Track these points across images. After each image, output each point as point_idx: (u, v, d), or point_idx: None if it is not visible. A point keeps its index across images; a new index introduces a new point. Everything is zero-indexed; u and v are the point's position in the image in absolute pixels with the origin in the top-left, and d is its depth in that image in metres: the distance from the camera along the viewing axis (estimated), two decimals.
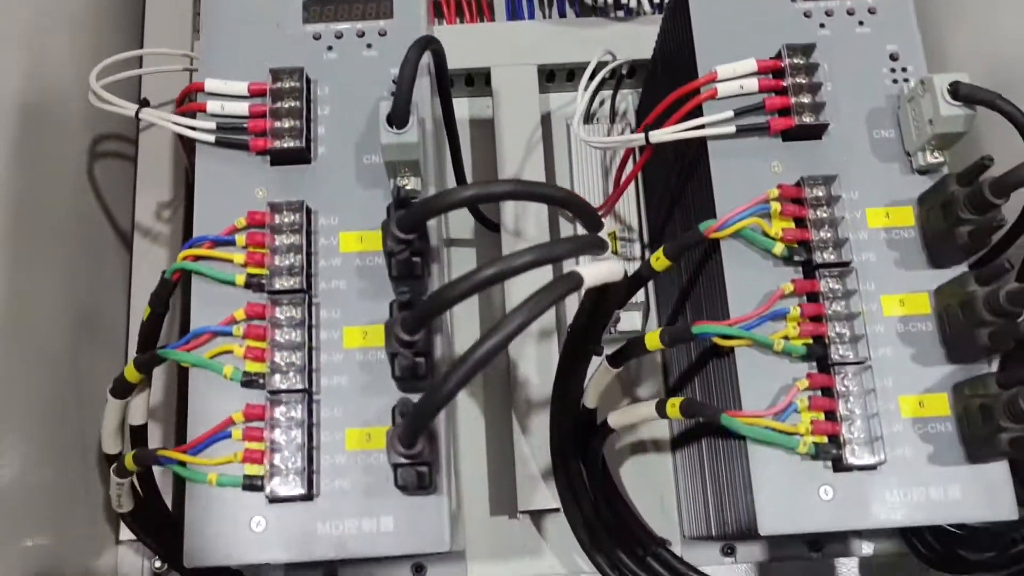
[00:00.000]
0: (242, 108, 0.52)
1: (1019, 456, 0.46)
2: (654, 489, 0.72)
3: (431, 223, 0.49)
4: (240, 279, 0.49)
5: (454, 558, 0.70)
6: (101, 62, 0.59)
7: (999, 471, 0.48)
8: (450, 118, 0.57)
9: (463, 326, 0.73)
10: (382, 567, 0.69)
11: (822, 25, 0.56)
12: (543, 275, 0.40)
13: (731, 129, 0.53)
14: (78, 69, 0.66)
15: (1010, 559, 0.60)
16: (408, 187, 0.50)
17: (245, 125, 0.52)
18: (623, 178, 0.65)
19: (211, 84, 0.52)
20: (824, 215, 0.50)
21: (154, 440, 0.66)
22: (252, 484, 0.47)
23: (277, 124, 0.51)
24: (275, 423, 0.47)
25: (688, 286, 0.61)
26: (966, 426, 0.48)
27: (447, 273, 0.55)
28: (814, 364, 0.49)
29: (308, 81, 0.52)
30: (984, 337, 0.46)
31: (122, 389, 0.52)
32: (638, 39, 0.74)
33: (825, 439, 0.48)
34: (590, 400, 0.60)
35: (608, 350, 0.57)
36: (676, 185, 0.62)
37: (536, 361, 0.69)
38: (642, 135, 0.55)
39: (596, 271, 0.41)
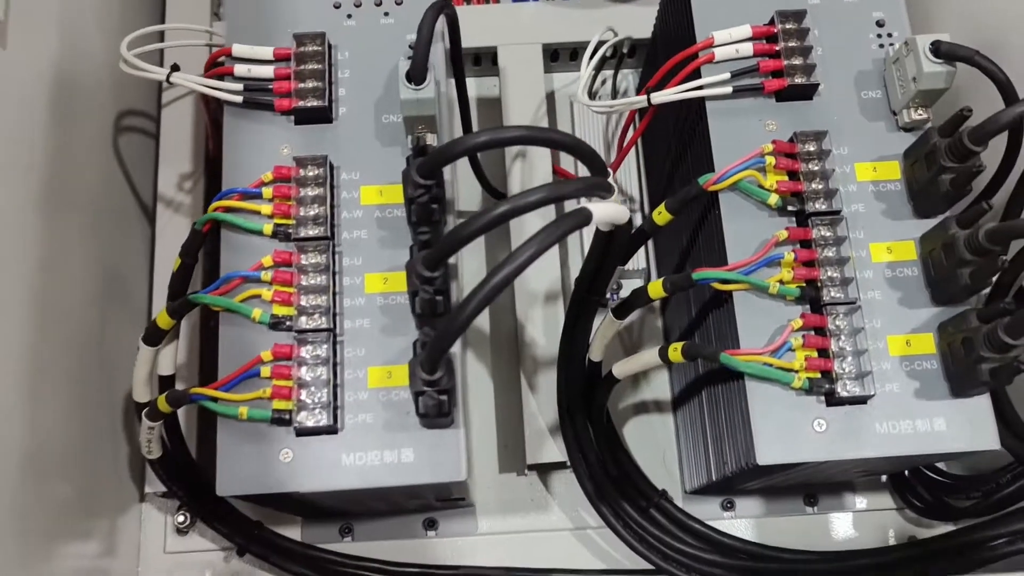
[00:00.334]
0: (267, 71, 0.55)
1: (999, 385, 0.49)
2: (656, 447, 0.75)
3: (446, 178, 0.52)
4: (267, 228, 0.52)
5: (465, 513, 0.72)
6: (127, 36, 0.62)
7: (982, 404, 0.51)
8: (460, 77, 0.61)
9: (472, 282, 0.76)
10: (395, 521, 0.72)
11: None
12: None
13: (728, 90, 0.56)
14: (105, 43, 0.70)
15: (995, 503, 0.63)
16: (425, 142, 0.53)
17: (270, 87, 0.55)
18: (626, 142, 0.68)
19: (238, 49, 0.55)
20: (815, 168, 0.54)
21: None
22: (280, 418, 0.49)
23: (301, 85, 0.54)
24: (302, 361, 0.50)
25: (688, 245, 0.64)
26: (950, 361, 0.51)
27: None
28: (807, 306, 0.52)
29: (329, 46, 0.56)
30: (966, 276, 0.49)
31: (154, 336, 0.55)
32: (638, 19, 0.77)
33: (818, 375, 0.51)
34: (595, 353, 0.63)
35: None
36: (676, 152, 0.66)
37: (543, 323, 0.72)
38: (644, 97, 0.58)
39: (604, 209, 0.44)
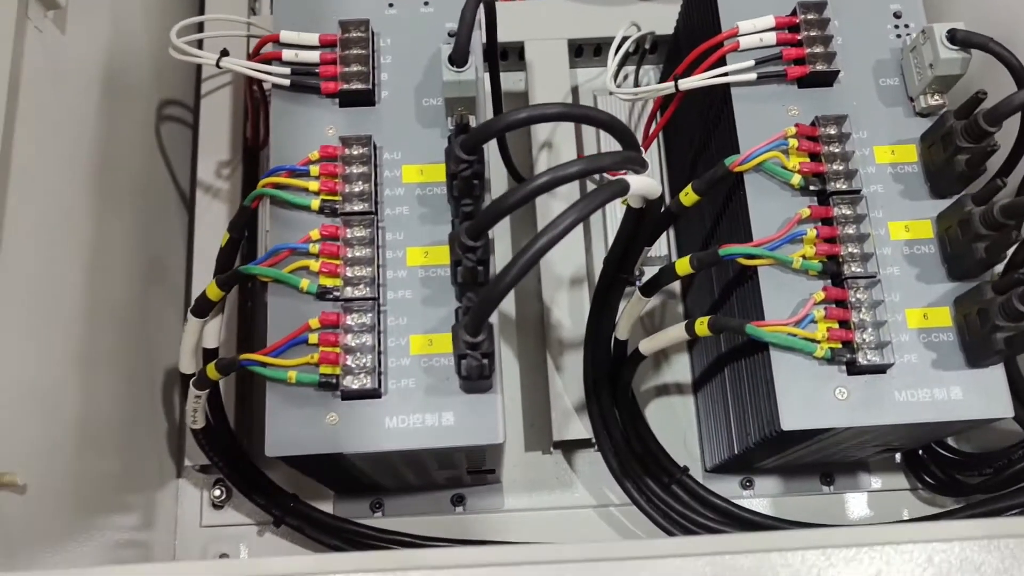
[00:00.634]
0: (313, 56, 0.58)
1: (1014, 354, 0.51)
2: (677, 429, 0.77)
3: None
4: (315, 204, 0.55)
5: (492, 490, 0.75)
6: (169, 26, 0.64)
7: (996, 374, 0.53)
8: (494, 63, 0.63)
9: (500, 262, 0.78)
10: (424, 497, 0.74)
11: None
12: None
13: (752, 77, 0.59)
14: (149, 34, 0.73)
15: (1006, 479, 0.65)
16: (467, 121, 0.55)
17: (316, 71, 0.58)
18: (651, 131, 0.71)
19: (286, 35, 0.58)
20: (836, 150, 0.56)
21: None
22: (327, 382, 0.52)
23: (346, 69, 0.57)
24: (348, 328, 0.52)
25: (711, 229, 0.66)
26: (966, 332, 0.53)
27: None
28: (829, 280, 0.55)
29: (373, 33, 0.58)
30: (981, 251, 0.52)
31: (203, 308, 0.58)
32: (660, 16, 0.80)
33: (839, 345, 0.53)
34: (622, 332, 0.66)
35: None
36: (700, 140, 0.68)
37: (568, 306, 0.75)
38: (672, 84, 0.61)
39: (639, 181, 0.47)
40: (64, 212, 0.58)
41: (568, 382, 0.73)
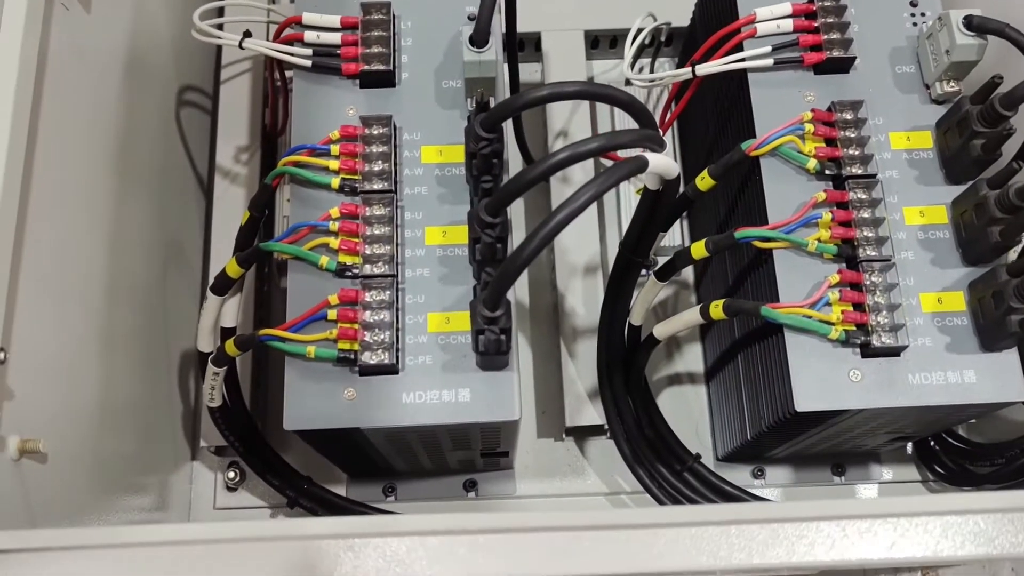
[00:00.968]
0: (335, 38, 0.58)
1: None
2: (690, 418, 0.77)
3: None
4: (335, 182, 0.55)
5: (504, 476, 0.75)
6: (190, 10, 0.65)
7: (1010, 359, 0.54)
8: (513, 47, 0.64)
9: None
10: (437, 482, 0.75)
11: None
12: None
13: (769, 63, 0.59)
14: (169, 18, 0.73)
15: (1016, 469, 0.65)
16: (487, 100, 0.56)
17: (338, 52, 0.58)
18: (668, 115, 0.71)
19: (308, 17, 0.59)
20: (852, 135, 0.57)
21: None
22: (345, 358, 0.52)
23: (367, 51, 0.58)
24: (366, 305, 0.53)
25: (726, 216, 0.67)
26: (980, 316, 0.53)
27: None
28: (844, 264, 0.55)
29: (394, 16, 0.59)
30: (996, 234, 0.52)
31: (223, 285, 0.58)
32: (675, 8, 0.81)
33: (854, 327, 0.53)
34: (636, 317, 0.66)
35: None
36: (716, 127, 0.69)
37: (582, 293, 0.75)
38: (689, 70, 0.61)
39: (658, 159, 0.47)
40: (86, 191, 0.58)
41: (581, 369, 0.74)
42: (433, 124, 0.58)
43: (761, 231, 0.55)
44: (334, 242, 0.54)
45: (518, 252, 0.44)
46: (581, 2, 0.84)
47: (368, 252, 0.54)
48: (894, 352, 0.53)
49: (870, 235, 0.55)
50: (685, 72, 0.61)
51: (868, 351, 0.53)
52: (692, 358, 0.79)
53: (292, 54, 0.58)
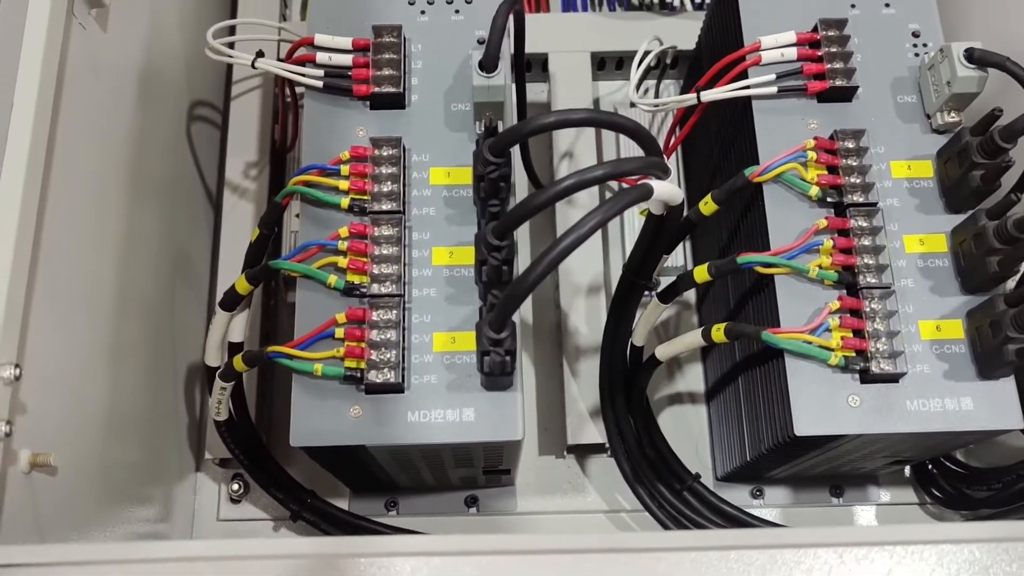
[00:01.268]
0: (346, 60, 0.59)
1: None
2: (690, 437, 0.78)
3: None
4: (344, 202, 0.56)
5: (505, 492, 0.76)
6: (201, 30, 0.66)
7: (1007, 386, 0.54)
8: (521, 71, 0.65)
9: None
10: (438, 497, 0.75)
11: (852, 6, 0.63)
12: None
13: (773, 90, 0.60)
14: (183, 36, 0.74)
15: (1013, 495, 0.66)
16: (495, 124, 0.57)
17: (349, 74, 0.59)
18: (672, 139, 0.72)
19: (320, 39, 0.60)
20: (854, 163, 0.57)
21: None
22: (351, 376, 0.53)
23: (378, 73, 0.59)
24: (373, 324, 0.54)
25: (728, 239, 0.68)
26: (978, 344, 0.54)
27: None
28: (844, 290, 0.56)
29: (404, 38, 0.60)
30: (994, 264, 0.53)
31: (231, 301, 0.59)
32: (681, 32, 0.82)
33: (853, 353, 0.54)
34: (639, 338, 0.67)
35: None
36: (719, 152, 0.70)
37: (585, 312, 0.76)
38: (694, 95, 0.62)
39: (663, 186, 0.48)
40: (99, 204, 0.59)
41: (583, 387, 0.74)
42: (442, 146, 0.59)
43: (763, 257, 0.56)
44: (343, 261, 0.55)
45: (524, 277, 0.45)
46: (588, 24, 0.85)
47: (376, 272, 0.55)
48: (893, 378, 0.54)
49: (870, 262, 0.56)
50: (690, 98, 0.62)
51: (867, 377, 0.54)
52: (693, 378, 0.80)
53: (304, 75, 0.59)
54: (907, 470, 0.76)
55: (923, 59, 0.61)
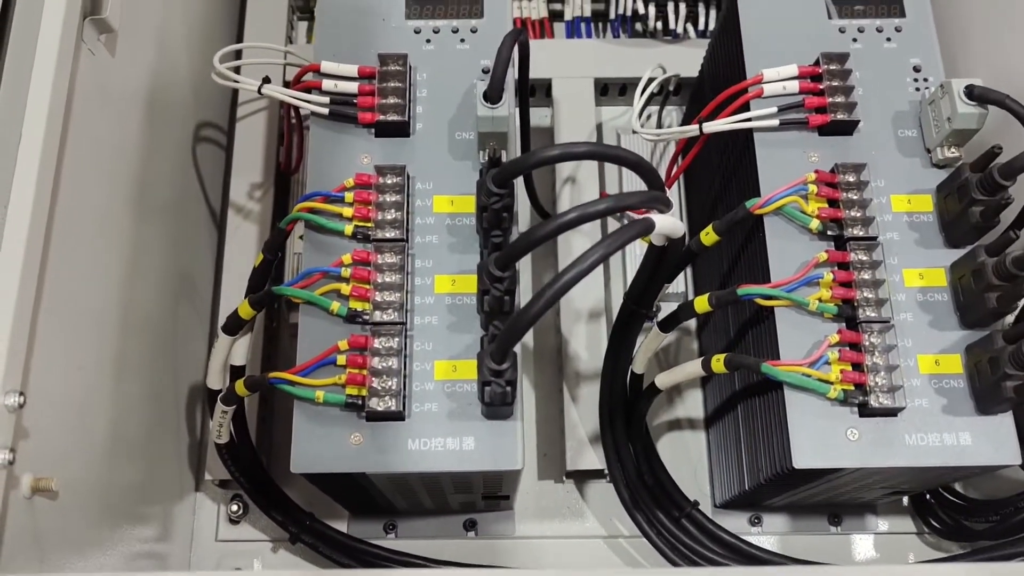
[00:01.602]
0: (352, 87, 0.60)
1: (1023, 402, 0.53)
2: (688, 463, 0.78)
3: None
4: (348, 229, 0.57)
5: (504, 516, 0.76)
6: (208, 53, 0.67)
7: (1005, 422, 0.55)
8: (525, 100, 0.65)
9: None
10: (437, 521, 0.75)
11: (854, 40, 0.64)
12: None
13: (775, 123, 0.61)
14: (190, 59, 0.75)
15: (1012, 527, 0.66)
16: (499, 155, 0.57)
17: (354, 101, 0.60)
18: (674, 171, 0.73)
19: (327, 66, 0.60)
20: (855, 197, 0.58)
21: None
22: (353, 403, 0.53)
23: (383, 101, 0.59)
24: (375, 351, 0.54)
25: (729, 268, 0.68)
26: (976, 380, 0.55)
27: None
28: (844, 323, 0.56)
29: (410, 67, 0.61)
30: (993, 300, 0.53)
31: (234, 326, 0.60)
32: (683, 59, 0.83)
33: (852, 387, 0.54)
34: (639, 366, 0.67)
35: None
36: (720, 182, 0.70)
37: (586, 338, 0.76)
38: (696, 127, 0.63)
39: (664, 220, 0.49)
40: (105, 227, 0.60)
41: (583, 413, 0.75)
42: (445, 174, 0.59)
43: (763, 289, 0.57)
44: (345, 288, 0.56)
45: (526, 310, 0.45)
46: (592, 51, 0.86)
47: (379, 299, 0.55)
48: (891, 412, 0.54)
49: (870, 296, 0.56)
50: (692, 129, 0.63)
51: (866, 411, 0.54)
52: (692, 404, 0.80)
53: (310, 101, 0.60)
54: (905, 500, 0.76)
55: (924, 94, 0.62)
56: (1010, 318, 0.57)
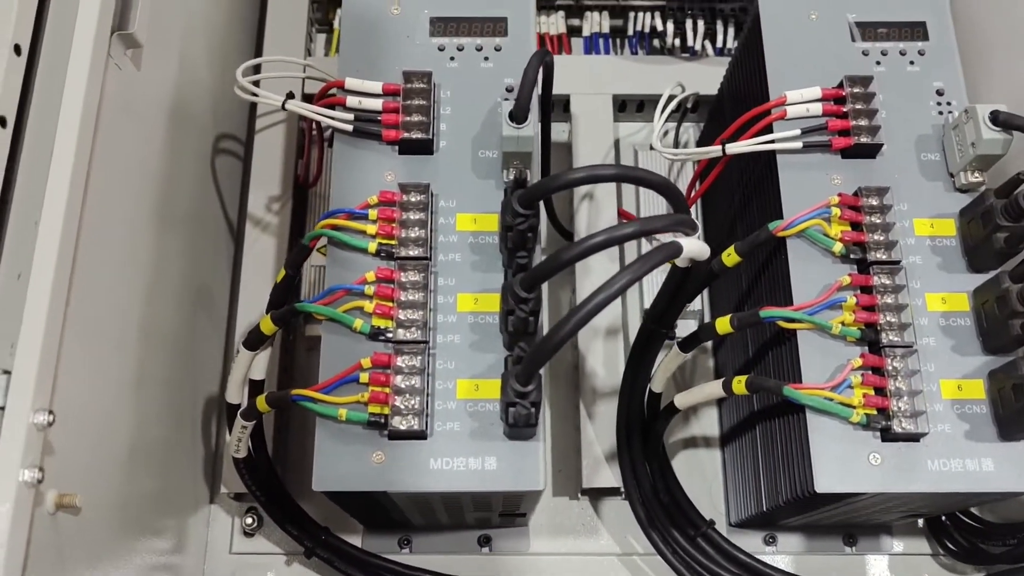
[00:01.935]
0: (376, 104, 0.60)
1: None
2: (703, 481, 0.78)
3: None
4: (372, 247, 0.57)
5: (518, 533, 0.76)
6: (228, 67, 0.67)
7: None
8: (547, 120, 0.66)
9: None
10: (451, 536, 0.75)
11: (878, 63, 0.64)
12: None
13: (798, 145, 0.61)
14: (211, 73, 0.75)
15: None
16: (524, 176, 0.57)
17: (378, 118, 0.60)
18: (694, 191, 0.73)
19: (351, 82, 0.60)
20: (878, 221, 0.58)
21: None
22: (375, 422, 0.53)
23: (407, 118, 0.59)
24: (398, 370, 0.54)
25: (748, 289, 0.68)
26: (999, 405, 0.54)
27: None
28: (867, 347, 0.56)
29: (434, 84, 0.61)
30: (1017, 327, 0.53)
31: (255, 341, 0.60)
32: (701, 77, 0.83)
33: (875, 411, 0.54)
34: (658, 384, 0.67)
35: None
36: (740, 202, 0.70)
37: (603, 355, 0.76)
38: (719, 147, 0.63)
39: (691, 243, 0.49)
40: (129, 241, 0.60)
41: (599, 430, 0.74)
42: (468, 192, 0.59)
43: (786, 312, 0.57)
44: (369, 305, 0.55)
45: (553, 333, 0.46)
46: (610, 67, 0.86)
47: (402, 317, 0.55)
48: (914, 438, 0.54)
49: (893, 320, 0.56)
50: (715, 150, 0.63)
51: (888, 435, 0.54)
52: (708, 422, 0.80)
53: (334, 118, 0.60)
54: (920, 521, 0.76)
55: (947, 118, 0.62)
56: None
